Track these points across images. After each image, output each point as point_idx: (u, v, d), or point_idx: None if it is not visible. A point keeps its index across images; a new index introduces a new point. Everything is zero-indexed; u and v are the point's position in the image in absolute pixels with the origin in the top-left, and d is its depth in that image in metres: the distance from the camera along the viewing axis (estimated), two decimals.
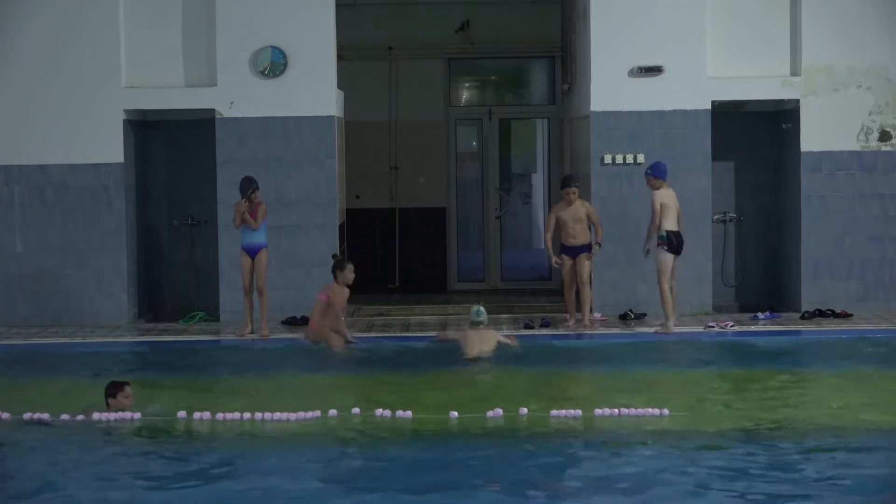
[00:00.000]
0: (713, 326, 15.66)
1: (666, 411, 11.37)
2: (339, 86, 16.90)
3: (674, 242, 15.35)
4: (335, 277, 14.67)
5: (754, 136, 17.49)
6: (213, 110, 16.43)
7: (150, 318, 17.08)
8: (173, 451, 10.44)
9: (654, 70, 16.45)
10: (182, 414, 11.30)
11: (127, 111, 16.52)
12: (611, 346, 14.90)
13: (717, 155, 16.78)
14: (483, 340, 14.01)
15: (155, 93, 16.50)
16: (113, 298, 16.46)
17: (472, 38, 20.24)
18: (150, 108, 16.71)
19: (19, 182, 16.43)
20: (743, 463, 9.81)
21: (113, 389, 11.37)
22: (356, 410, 11.29)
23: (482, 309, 14.25)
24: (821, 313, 16.18)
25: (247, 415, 11.30)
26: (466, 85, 21.04)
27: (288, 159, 16.50)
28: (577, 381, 13.42)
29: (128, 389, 11.39)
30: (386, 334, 15.72)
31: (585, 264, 15.65)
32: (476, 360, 13.92)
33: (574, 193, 15.69)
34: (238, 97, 16.42)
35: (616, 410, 11.37)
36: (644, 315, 16.25)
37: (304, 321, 15.59)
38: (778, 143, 17.36)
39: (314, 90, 16.45)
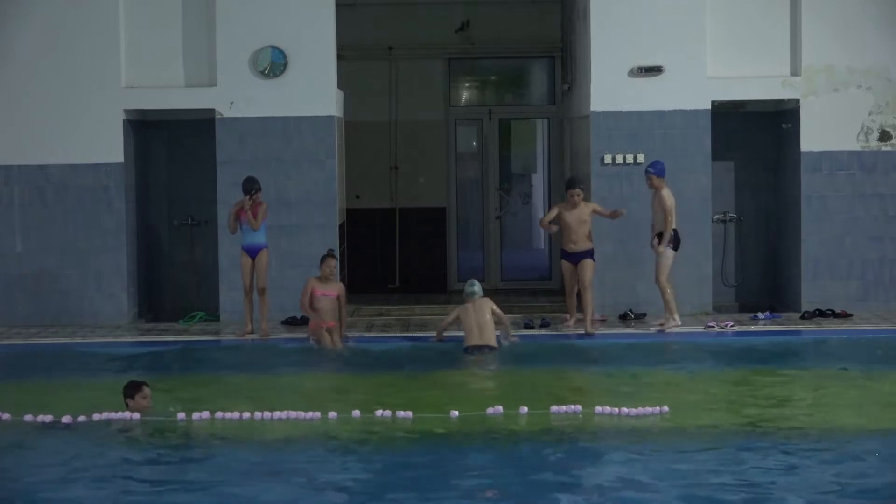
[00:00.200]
0: (713, 326, 15.67)
1: (666, 408, 11.39)
2: (339, 86, 16.91)
3: (678, 240, 15.42)
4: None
5: (754, 136, 17.49)
6: (213, 110, 16.43)
7: (150, 318, 17.08)
8: (173, 452, 10.44)
9: (654, 70, 16.45)
10: (181, 414, 11.30)
11: (127, 111, 16.52)
12: (611, 345, 14.89)
13: (717, 155, 16.78)
14: (478, 310, 14.33)
15: (155, 93, 16.50)
16: (113, 298, 16.46)
17: (472, 38, 20.25)
18: (150, 108, 16.71)
19: (19, 182, 16.43)
20: (743, 462, 9.81)
21: (131, 390, 11.33)
22: (356, 413, 11.27)
23: (475, 281, 14.81)
24: (821, 313, 16.18)
25: (246, 415, 11.31)
26: (466, 85, 21.04)
27: (288, 159, 16.51)
28: (577, 380, 13.42)
29: (146, 390, 11.34)
30: (386, 334, 15.72)
31: (588, 268, 15.57)
32: (479, 348, 14.07)
33: (579, 195, 15.62)
34: (238, 97, 16.42)
35: (616, 409, 11.40)
36: (644, 315, 16.26)
37: (304, 321, 15.59)
38: (778, 143, 17.36)
39: (314, 90, 16.45)
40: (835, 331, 15.40)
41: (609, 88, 16.48)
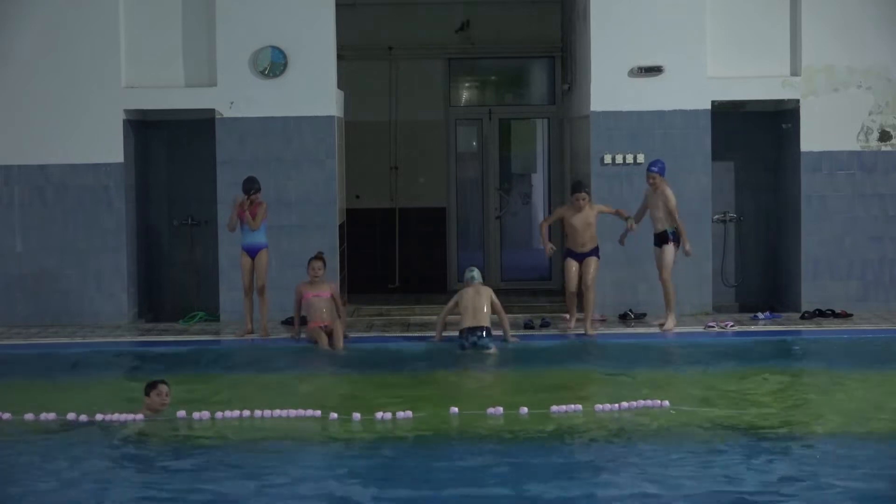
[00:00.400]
0: (713, 326, 15.67)
1: (666, 402, 11.41)
2: (339, 86, 16.91)
3: (678, 237, 15.48)
4: None
5: (754, 136, 17.49)
6: (213, 110, 16.43)
7: (150, 318, 17.09)
8: (172, 451, 10.43)
9: (654, 70, 16.45)
10: (182, 413, 11.30)
11: (127, 111, 16.52)
12: (610, 345, 14.90)
13: (717, 155, 16.78)
14: (476, 295, 14.59)
15: (155, 93, 16.50)
16: (113, 298, 16.46)
17: (472, 38, 20.25)
18: (150, 108, 16.71)
19: (19, 182, 16.44)
20: (743, 462, 9.81)
21: (149, 388, 11.30)
22: (357, 416, 11.26)
23: (475, 267, 15.15)
24: (821, 313, 16.18)
25: (246, 413, 11.31)
26: (466, 85, 21.04)
27: (288, 159, 16.51)
28: (578, 380, 13.41)
29: (162, 388, 11.26)
30: (386, 334, 15.72)
31: (592, 267, 15.55)
32: (472, 330, 14.16)
33: (584, 199, 15.52)
34: (238, 97, 16.42)
35: (616, 404, 11.43)
36: (644, 315, 16.26)
37: (303, 321, 15.59)
38: (778, 143, 17.36)
39: (314, 90, 16.45)
40: (835, 331, 15.41)
41: (609, 88, 16.48)
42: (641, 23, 16.43)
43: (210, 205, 16.72)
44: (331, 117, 16.53)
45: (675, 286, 15.59)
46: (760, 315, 16.28)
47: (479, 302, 14.61)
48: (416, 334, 15.55)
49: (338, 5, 16.63)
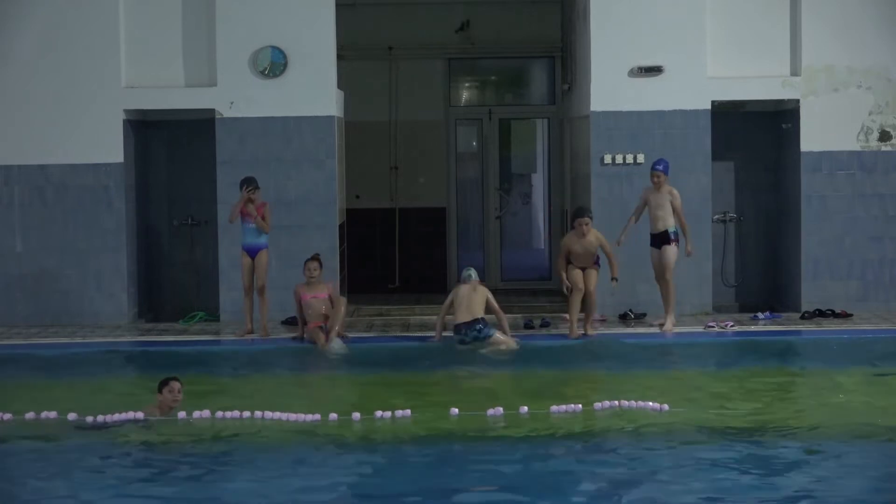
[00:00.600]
0: (713, 326, 15.67)
1: (666, 406, 11.41)
2: (339, 86, 16.91)
3: (678, 236, 15.47)
4: None
5: (754, 136, 17.49)
6: (213, 110, 16.43)
7: (150, 318, 17.09)
8: (172, 451, 10.44)
9: (654, 70, 16.45)
10: (182, 414, 11.30)
11: (127, 111, 16.52)
12: (611, 345, 14.90)
13: (717, 155, 16.78)
14: (471, 292, 14.71)
15: (155, 93, 16.50)
16: (113, 298, 16.46)
17: (472, 38, 20.25)
18: (150, 108, 16.71)
19: (19, 182, 16.43)
20: (743, 461, 9.82)
21: (161, 385, 11.30)
22: (356, 416, 11.26)
23: (471, 267, 15.21)
24: (821, 313, 16.18)
25: (246, 414, 11.31)
26: (466, 85, 21.04)
27: (288, 159, 16.51)
28: (577, 379, 13.42)
29: (174, 385, 11.22)
30: (385, 334, 15.72)
31: (593, 275, 15.52)
32: (468, 324, 14.31)
33: (587, 224, 15.36)
34: (238, 97, 16.42)
35: (616, 402, 11.43)
36: (644, 315, 16.26)
37: (303, 321, 15.58)
38: (778, 143, 17.36)
39: (314, 90, 16.45)
40: (835, 331, 15.40)
41: (609, 88, 16.48)
42: (641, 23, 16.44)
43: (210, 205, 16.72)
44: (331, 117, 16.53)
45: (675, 286, 15.60)
46: (760, 315, 16.28)
47: (473, 298, 14.71)
48: (416, 334, 15.56)
49: (338, 5, 16.63)
